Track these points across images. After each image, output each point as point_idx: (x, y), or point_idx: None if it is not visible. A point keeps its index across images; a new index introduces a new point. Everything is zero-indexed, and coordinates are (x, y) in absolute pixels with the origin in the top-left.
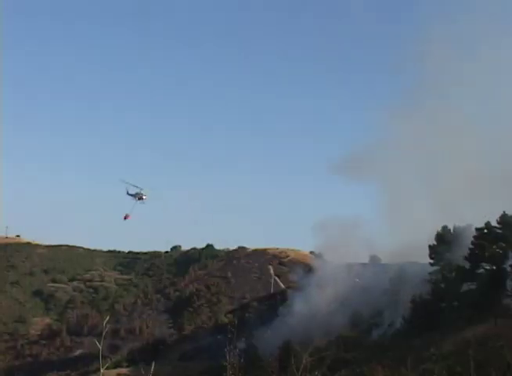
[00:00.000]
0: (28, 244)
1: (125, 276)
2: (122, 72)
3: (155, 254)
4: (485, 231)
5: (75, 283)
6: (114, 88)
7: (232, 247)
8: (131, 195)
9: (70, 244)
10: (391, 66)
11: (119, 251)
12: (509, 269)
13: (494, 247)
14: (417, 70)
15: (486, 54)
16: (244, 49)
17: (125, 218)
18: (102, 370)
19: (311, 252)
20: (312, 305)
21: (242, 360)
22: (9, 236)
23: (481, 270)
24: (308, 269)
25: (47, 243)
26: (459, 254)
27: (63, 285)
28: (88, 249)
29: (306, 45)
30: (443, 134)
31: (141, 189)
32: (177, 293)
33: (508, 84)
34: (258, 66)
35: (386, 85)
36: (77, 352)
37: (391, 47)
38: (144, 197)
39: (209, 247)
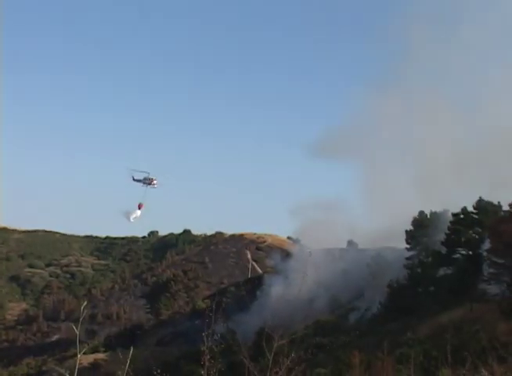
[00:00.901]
0: (4, 229)
1: (102, 262)
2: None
3: (132, 240)
4: (462, 216)
5: (52, 268)
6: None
7: (210, 232)
8: (138, 181)
9: (47, 229)
10: (374, 45)
11: (96, 237)
12: (485, 254)
13: (470, 232)
14: (399, 49)
15: (467, 33)
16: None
17: (139, 208)
18: (79, 356)
19: (288, 237)
20: (291, 290)
21: (217, 346)
22: None
23: (458, 255)
24: (286, 254)
25: (23, 228)
26: (436, 239)
27: (39, 270)
28: (65, 234)
29: (290, 22)
30: (426, 115)
31: (148, 173)
32: (154, 278)
33: (488, 64)
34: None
35: (366, 65)
36: (54, 338)
37: (374, 24)
38: (155, 182)
39: (186, 232)
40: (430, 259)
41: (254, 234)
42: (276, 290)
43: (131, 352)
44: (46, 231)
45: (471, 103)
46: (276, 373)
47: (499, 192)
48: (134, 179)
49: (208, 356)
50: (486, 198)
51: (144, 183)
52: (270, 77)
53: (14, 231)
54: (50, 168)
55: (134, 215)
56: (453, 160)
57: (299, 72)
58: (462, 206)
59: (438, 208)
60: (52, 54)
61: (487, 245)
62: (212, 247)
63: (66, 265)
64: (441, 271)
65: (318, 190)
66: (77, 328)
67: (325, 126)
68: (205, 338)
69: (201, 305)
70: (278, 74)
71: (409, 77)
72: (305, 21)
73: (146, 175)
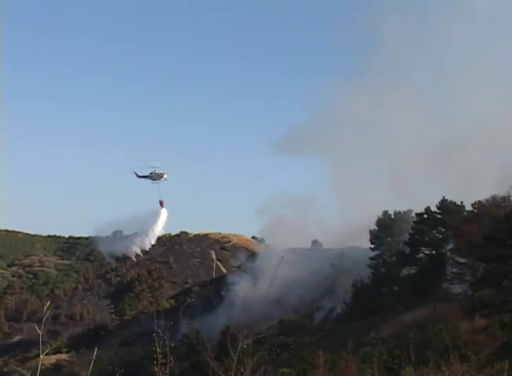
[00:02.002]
0: None
1: (65, 262)
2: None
3: (96, 239)
4: (425, 216)
5: (14, 268)
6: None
7: (174, 232)
8: (144, 177)
9: (9, 228)
10: (341, 40)
11: (59, 236)
12: (448, 253)
13: (433, 232)
14: (368, 42)
15: (438, 26)
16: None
17: (161, 205)
18: (41, 356)
19: (253, 237)
20: (256, 290)
21: (172, 344)
22: None
23: (421, 255)
24: (251, 254)
25: None
26: (400, 239)
27: (1, 270)
28: (28, 234)
29: (256, 13)
30: (395, 111)
31: (156, 167)
32: (118, 278)
33: (459, 59)
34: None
35: (334, 59)
36: (16, 338)
37: (342, 19)
38: (165, 176)
39: None
40: (393, 259)
41: (219, 234)
42: (241, 289)
43: (95, 352)
44: (8, 231)
45: (441, 98)
46: (241, 373)
47: (467, 187)
48: (138, 176)
49: (161, 356)
50: (453, 194)
51: (154, 179)
52: (234, 69)
53: None
54: (14, 165)
55: (161, 223)
56: (423, 157)
57: (265, 65)
58: (433, 204)
59: (408, 206)
60: (44, 48)
61: (450, 245)
62: (177, 247)
63: (29, 265)
64: (405, 271)
65: (285, 188)
66: (39, 329)
67: (291, 121)
68: (156, 338)
69: (165, 305)
70: (243, 68)
71: (378, 71)
72: (272, 12)
73: (152, 170)
